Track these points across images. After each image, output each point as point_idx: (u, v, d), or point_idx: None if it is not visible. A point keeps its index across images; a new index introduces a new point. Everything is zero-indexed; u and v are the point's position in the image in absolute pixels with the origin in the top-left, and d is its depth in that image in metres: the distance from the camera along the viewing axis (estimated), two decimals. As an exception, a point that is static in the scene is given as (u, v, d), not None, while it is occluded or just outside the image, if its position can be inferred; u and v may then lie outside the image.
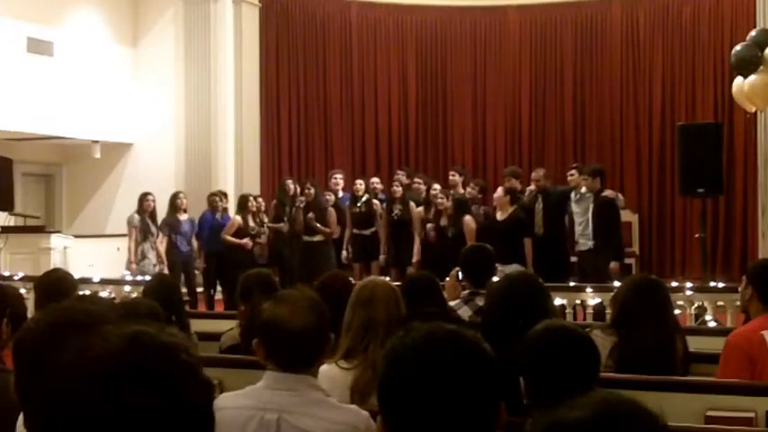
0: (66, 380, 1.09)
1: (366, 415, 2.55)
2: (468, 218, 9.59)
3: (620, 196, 9.94)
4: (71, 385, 1.08)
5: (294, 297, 2.66)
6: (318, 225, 10.32)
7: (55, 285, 4.59)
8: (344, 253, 10.77)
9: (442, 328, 1.62)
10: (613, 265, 9.00)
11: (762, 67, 9.54)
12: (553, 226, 9.62)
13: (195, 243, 10.70)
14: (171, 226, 10.51)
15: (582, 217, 9.50)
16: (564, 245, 9.76)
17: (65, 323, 1.86)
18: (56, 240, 10.71)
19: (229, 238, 10.40)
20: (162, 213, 10.68)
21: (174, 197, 10.69)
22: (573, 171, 9.97)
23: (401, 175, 11.18)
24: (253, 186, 12.74)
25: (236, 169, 13.10)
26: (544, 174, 10.06)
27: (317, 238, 10.37)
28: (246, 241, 10.39)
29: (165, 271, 10.02)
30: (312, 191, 10.53)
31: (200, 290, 10.86)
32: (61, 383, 1.10)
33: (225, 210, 11.04)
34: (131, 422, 1.04)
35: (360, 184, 11.09)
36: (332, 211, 10.55)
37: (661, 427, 1.15)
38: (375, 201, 10.84)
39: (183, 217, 10.66)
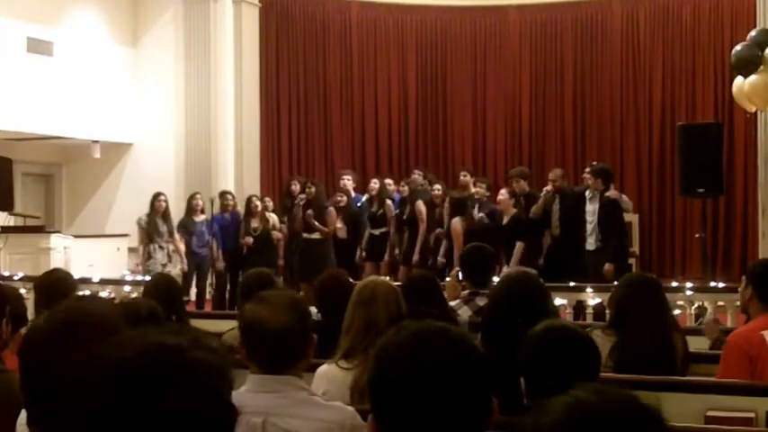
0: (89, 381, 1.08)
1: (352, 411, 2.55)
2: (455, 220, 9.58)
3: (624, 197, 9.91)
4: (94, 387, 1.06)
5: (274, 298, 2.65)
6: (316, 223, 10.33)
7: (55, 285, 4.60)
8: (359, 252, 10.85)
9: (430, 325, 1.62)
10: (608, 266, 8.95)
11: (762, 67, 9.53)
12: (570, 226, 9.58)
13: (214, 243, 10.72)
14: (185, 227, 10.59)
15: (593, 216, 9.46)
16: (580, 245, 9.69)
17: (72, 323, 1.86)
18: (55, 240, 10.70)
19: (242, 240, 10.52)
20: (174, 213, 10.76)
21: (191, 198, 10.87)
22: (588, 170, 9.95)
23: (418, 175, 11.21)
24: (253, 186, 12.75)
25: (236, 169, 13.09)
26: (561, 174, 10.03)
27: (316, 235, 10.39)
28: (247, 239, 10.44)
29: (172, 270, 10.03)
30: (313, 189, 10.55)
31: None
32: (83, 384, 1.08)
33: (234, 207, 11.07)
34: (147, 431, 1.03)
35: (374, 184, 11.16)
36: (331, 210, 10.57)
37: (639, 422, 1.11)
38: (388, 201, 10.88)
39: (200, 218, 10.73)
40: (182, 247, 10.55)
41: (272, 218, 10.81)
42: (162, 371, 1.06)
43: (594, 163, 10.50)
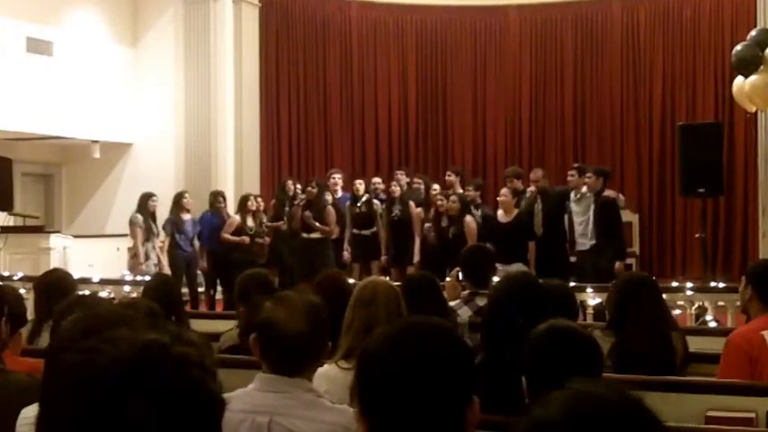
0: (69, 382, 1.07)
1: None
2: (468, 218, 9.57)
3: (621, 197, 9.93)
4: (74, 388, 1.06)
5: (293, 300, 2.64)
6: (317, 224, 10.32)
7: (55, 285, 4.60)
8: (345, 254, 10.77)
9: (408, 320, 1.73)
10: (618, 265, 8.99)
11: (762, 67, 9.53)
12: (552, 226, 9.61)
13: (197, 243, 10.70)
14: (174, 225, 10.51)
15: (582, 217, 9.48)
16: (563, 245, 9.75)
17: (96, 328, 1.85)
18: (55, 240, 10.70)
19: (228, 236, 10.42)
20: (162, 214, 10.70)
21: (179, 196, 10.71)
22: (573, 172, 9.96)
23: (400, 175, 11.18)
24: (253, 186, 12.74)
25: (236, 169, 13.10)
26: (543, 174, 10.06)
27: (315, 235, 10.38)
28: (244, 238, 10.42)
29: (165, 270, 10.03)
30: (315, 190, 10.52)
31: (201, 289, 10.87)
32: (64, 384, 1.08)
33: (224, 209, 11.06)
34: None
35: (360, 185, 11.08)
36: (331, 209, 10.54)
37: (639, 420, 1.11)
38: (375, 201, 10.83)
39: (187, 216, 10.67)
40: (163, 246, 10.54)
41: (263, 220, 10.82)
42: (146, 367, 1.06)
43: (577, 164, 10.48)
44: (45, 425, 1.09)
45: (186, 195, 10.74)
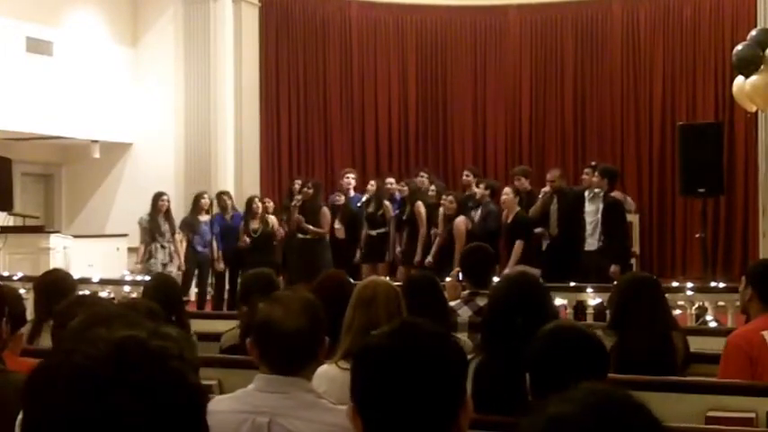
0: (49, 383, 1.07)
1: None
2: (458, 220, 9.55)
3: (628, 199, 9.89)
4: (54, 389, 1.06)
5: (289, 299, 2.64)
6: (310, 226, 10.34)
7: (54, 285, 4.60)
8: (358, 252, 10.83)
9: (404, 321, 1.82)
10: (614, 268, 8.93)
11: (763, 67, 9.53)
12: (568, 226, 9.54)
13: (215, 244, 10.72)
14: (189, 226, 10.58)
15: (593, 216, 9.43)
16: (578, 246, 9.64)
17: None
18: (55, 240, 10.70)
19: (240, 242, 10.53)
20: (174, 214, 10.77)
21: (199, 197, 10.84)
22: (588, 170, 9.92)
23: (423, 177, 11.18)
24: (253, 186, 12.75)
25: (235, 169, 13.09)
26: (560, 174, 10.00)
27: (310, 235, 10.42)
28: (245, 239, 10.45)
29: (172, 270, 10.05)
30: (311, 191, 10.53)
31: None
32: (45, 386, 1.08)
33: (233, 209, 11.09)
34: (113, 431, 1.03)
35: (370, 185, 11.14)
36: (325, 211, 10.57)
37: (653, 421, 1.13)
38: (386, 202, 10.86)
39: (204, 218, 10.73)
40: (181, 246, 10.57)
41: (272, 219, 10.81)
42: (124, 363, 1.06)
43: (594, 163, 10.49)
44: (28, 427, 1.09)
45: (205, 196, 10.84)
